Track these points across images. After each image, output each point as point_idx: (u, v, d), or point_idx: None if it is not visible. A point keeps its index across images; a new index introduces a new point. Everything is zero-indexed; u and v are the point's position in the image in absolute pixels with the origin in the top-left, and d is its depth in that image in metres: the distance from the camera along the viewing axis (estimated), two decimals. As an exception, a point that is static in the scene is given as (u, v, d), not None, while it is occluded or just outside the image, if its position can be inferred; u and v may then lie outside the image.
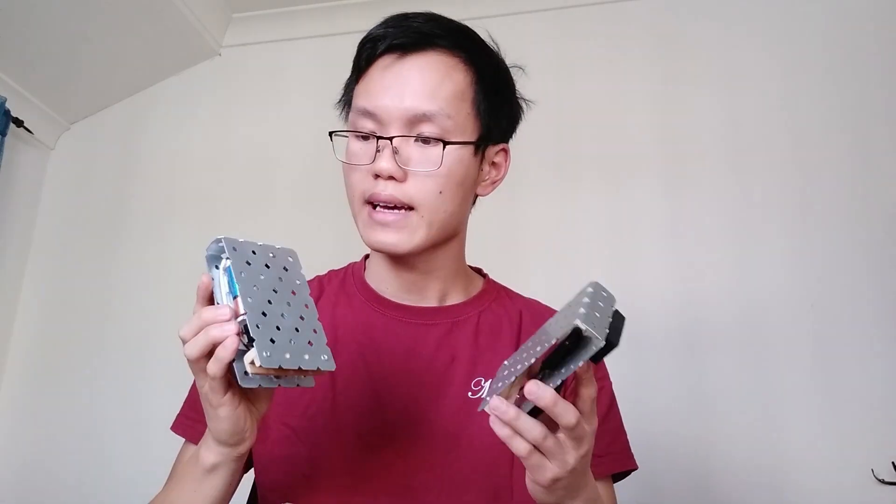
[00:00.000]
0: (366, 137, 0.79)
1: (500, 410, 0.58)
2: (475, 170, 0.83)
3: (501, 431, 0.59)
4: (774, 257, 1.65)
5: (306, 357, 0.60)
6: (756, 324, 1.61)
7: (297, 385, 0.63)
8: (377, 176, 0.76)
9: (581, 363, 0.55)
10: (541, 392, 0.56)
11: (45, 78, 2.02)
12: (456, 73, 0.79)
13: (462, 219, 0.85)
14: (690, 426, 1.57)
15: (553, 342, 0.56)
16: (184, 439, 0.84)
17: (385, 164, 0.75)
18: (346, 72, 0.89)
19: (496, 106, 0.83)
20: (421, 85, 0.77)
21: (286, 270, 0.65)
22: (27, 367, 1.99)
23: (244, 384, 0.60)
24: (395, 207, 0.77)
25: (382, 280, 0.87)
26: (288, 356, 0.59)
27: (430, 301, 0.86)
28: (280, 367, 0.58)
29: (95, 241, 2.08)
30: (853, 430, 1.49)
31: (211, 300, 0.63)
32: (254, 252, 0.63)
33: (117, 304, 2.00)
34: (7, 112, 1.87)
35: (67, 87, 2.10)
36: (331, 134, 0.82)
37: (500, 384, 0.61)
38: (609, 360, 0.92)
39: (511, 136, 0.88)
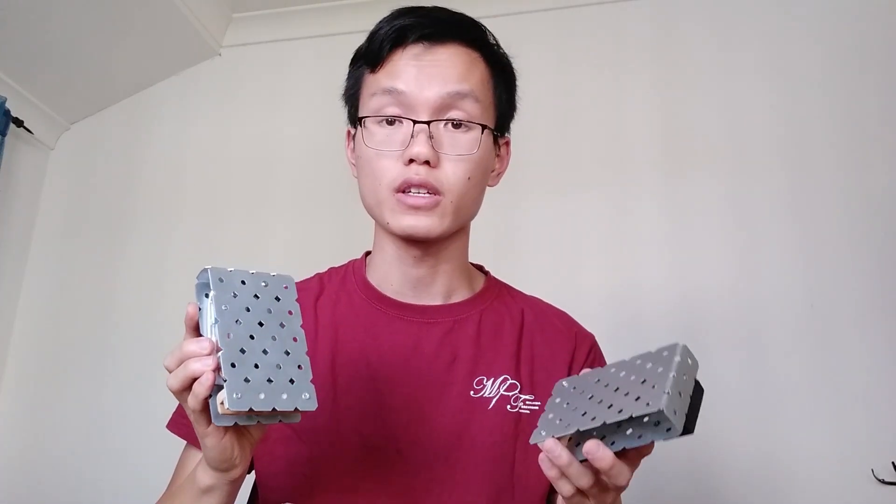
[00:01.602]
0: (391, 123, 0.79)
1: (553, 454, 0.58)
2: (493, 158, 0.85)
3: (550, 472, 0.60)
4: (774, 257, 1.65)
5: (284, 397, 0.58)
6: (756, 323, 1.61)
7: (280, 421, 0.61)
8: (410, 161, 0.76)
9: (650, 441, 0.55)
10: (600, 454, 0.56)
11: (45, 78, 2.02)
12: (479, 63, 0.82)
13: (478, 208, 0.85)
14: (690, 426, 1.57)
15: (628, 416, 0.54)
16: (185, 441, 0.84)
17: (421, 148, 0.76)
18: (345, 72, 0.88)
19: (507, 98, 0.86)
20: (452, 69, 0.79)
21: (278, 300, 0.62)
22: (27, 367, 1.99)
23: (218, 423, 0.59)
24: (426, 192, 0.77)
25: (386, 277, 0.86)
26: (262, 396, 0.57)
27: (436, 298, 0.85)
28: (251, 410, 0.57)
29: (95, 241, 2.08)
30: (853, 430, 1.49)
31: (199, 330, 0.61)
32: (243, 282, 0.61)
33: (117, 303, 2.00)
34: (7, 112, 1.87)
35: (67, 87, 2.10)
36: (362, 119, 0.81)
37: (555, 419, 0.60)
38: (609, 360, 0.92)
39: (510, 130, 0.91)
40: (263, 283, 0.62)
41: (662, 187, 1.77)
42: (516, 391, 0.81)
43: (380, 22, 0.82)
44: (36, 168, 2.14)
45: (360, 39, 0.86)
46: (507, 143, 0.89)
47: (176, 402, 0.86)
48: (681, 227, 1.73)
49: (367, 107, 0.82)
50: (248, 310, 0.60)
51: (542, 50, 1.92)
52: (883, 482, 1.44)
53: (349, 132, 0.89)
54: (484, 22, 0.86)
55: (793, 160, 1.71)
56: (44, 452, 1.90)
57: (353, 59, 0.87)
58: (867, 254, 1.60)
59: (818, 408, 1.52)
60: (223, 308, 0.59)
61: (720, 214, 1.72)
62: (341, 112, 0.92)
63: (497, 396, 0.80)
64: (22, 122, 1.97)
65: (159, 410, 1.82)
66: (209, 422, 0.60)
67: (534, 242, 1.79)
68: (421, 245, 0.82)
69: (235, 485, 0.68)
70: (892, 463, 1.44)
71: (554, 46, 1.95)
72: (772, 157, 1.73)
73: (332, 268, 0.93)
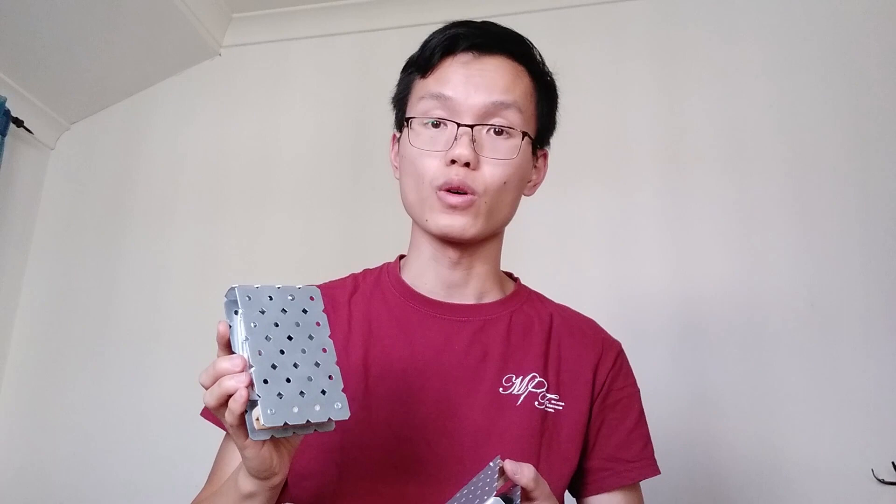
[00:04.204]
0: (437, 125, 0.82)
1: None
2: (531, 168, 0.89)
3: None
4: (774, 257, 1.65)
5: (317, 408, 0.60)
6: (756, 323, 1.61)
7: (315, 430, 0.63)
8: (452, 162, 0.79)
9: None
10: None
11: (45, 78, 2.02)
12: (524, 76, 0.87)
13: (511, 215, 0.88)
14: (690, 425, 1.57)
15: None
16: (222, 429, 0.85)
17: (463, 150, 0.79)
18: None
19: (548, 112, 0.91)
20: (499, 79, 0.82)
21: (305, 313, 0.64)
22: (27, 367, 1.99)
23: (254, 437, 0.60)
24: (463, 193, 0.80)
25: (421, 276, 0.88)
26: (296, 410, 0.59)
27: (468, 299, 0.88)
28: (286, 423, 0.58)
29: (95, 241, 2.08)
30: (853, 430, 1.49)
31: (230, 346, 0.63)
32: (270, 297, 0.63)
33: (117, 303, 2.00)
34: (7, 112, 1.88)
35: (67, 87, 2.10)
36: (409, 119, 0.85)
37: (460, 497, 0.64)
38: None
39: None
40: (290, 297, 0.64)
41: (663, 186, 1.77)
42: (543, 389, 0.83)
43: (433, 33, 0.86)
44: (36, 168, 2.14)
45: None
46: (545, 156, 0.93)
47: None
48: (682, 226, 1.73)
49: (414, 109, 0.85)
50: (276, 325, 0.62)
51: (542, 49, 1.92)
52: (883, 482, 1.44)
53: (394, 136, 0.92)
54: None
55: (794, 159, 1.72)
56: (44, 452, 1.90)
57: (405, 66, 0.90)
58: (868, 254, 1.60)
59: (818, 408, 1.52)
60: (252, 326, 0.60)
61: (721, 214, 1.72)
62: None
63: (525, 393, 0.82)
64: (22, 122, 1.98)
65: (159, 408, 1.83)
66: (246, 435, 0.62)
67: (534, 242, 1.79)
68: (457, 247, 0.84)
69: (275, 491, 0.69)
70: (892, 463, 1.44)
71: (554, 46, 1.94)
72: (773, 155, 1.73)
73: (366, 269, 0.95)
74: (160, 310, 1.96)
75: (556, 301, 0.96)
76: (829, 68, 1.76)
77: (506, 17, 1.97)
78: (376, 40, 2.03)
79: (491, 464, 0.62)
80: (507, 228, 0.91)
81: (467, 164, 0.79)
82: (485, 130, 0.81)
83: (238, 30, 2.21)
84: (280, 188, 2.03)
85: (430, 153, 0.81)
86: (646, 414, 0.91)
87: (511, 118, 0.82)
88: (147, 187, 2.11)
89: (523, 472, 0.62)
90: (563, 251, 1.78)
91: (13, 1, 1.77)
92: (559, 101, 0.97)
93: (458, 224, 0.80)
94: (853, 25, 1.78)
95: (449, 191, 0.80)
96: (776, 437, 1.53)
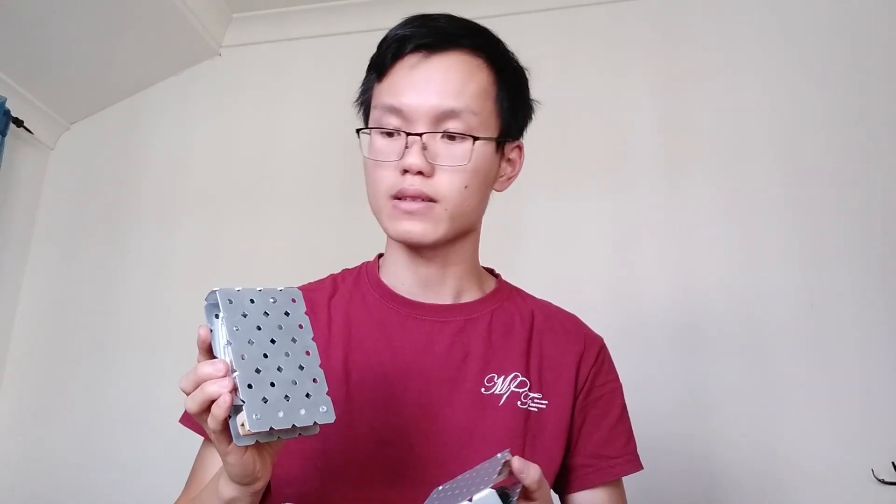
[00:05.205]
0: (391, 134, 0.81)
1: None
2: (496, 166, 0.86)
3: None
4: (774, 256, 1.65)
5: (302, 412, 0.60)
6: (756, 323, 1.61)
7: (300, 434, 0.62)
8: (405, 171, 0.78)
9: None
10: None
11: (45, 78, 2.02)
12: (480, 72, 0.82)
13: (480, 214, 0.87)
14: (690, 426, 1.57)
15: None
16: (201, 436, 0.84)
17: (414, 159, 0.77)
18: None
19: (514, 104, 0.86)
20: (448, 83, 0.79)
21: (287, 315, 0.63)
22: (27, 367, 1.99)
23: (239, 443, 0.59)
24: (421, 200, 0.79)
25: (398, 277, 0.87)
26: (281, 414, 0.58)
27: (446, 298, 0.87)
28: (271, 428, 0.58)
29: (95, 241, 2.08)
30: (853, 430, 1.49)
31: (211, 351, 0.62)
32: (252, 300, 0.62)
33: (117, 303, 2.00)
34: (7, 112, 1.87)
35: (67, 87, 2.10)
36: (358, 131, 0.84)
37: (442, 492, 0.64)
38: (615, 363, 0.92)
39: (524, 134, 0.91)
40: (272, 300, 0.63)
41: (663, 188, 1.77)
42: (526, 388, 0.82)
43: (391, 30, 0.84)
44: (36, 168, 2.14)
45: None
46: (519, 148, 0.90)
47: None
48: (681, 227, 1.73)
49: (371, 116, 0.84)
50: (259, 328, 0.61)
51: (542, 50, 1.92)
52: (883, 482, 1.44)
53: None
54: (485, 22, 0.87)
55: (793, 160, 1.72)
56: (44, 452, 1.90)
57: (368, 66, 0.89)
58: (867, 253, 1.60)
59: (818, 408, 1.52)
60: (235, 329, 0.59)
61: (720, 214, 1.72)
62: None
63: (508, 393, 0.82)
64: (22, 122, 1.98)
65: (160, 409, 1.83)
66: (230, 441, 0.61)
67: (535, 243, 1.79)
68: (426, 247, 0.83)
69: (258, 495, 0.68)
70: (892, 463, 1.44)
71: (554, 46, 1.95)
72: (772, 157, 1.73)
73: (345, 269, 0.94)
74: (160, 310, 1.96)
75: (553, 301, 0.95)
76: (828, 68, 1.76)
77: (506, 17, 1.97)
78: (376, 40, 2.03)
79: (498, 455, 0.61)
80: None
81: (421, 173, 0.78)
82: (438, 136, 0.79)
83: (238, 30, 2.21)
84: (280, 188, 2.03)
85: (384, 164, 0.80)
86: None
87: (463, 121, 0.79)
88: (147, 187, 2.11)
89: (529, 473, 0.61)
90: (563, 251, 1.78)
91: (14, 1, 1.77)
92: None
93: (417, 230, 0.79)
94: (852, 25, 1.78)
95: (404, 198, 0.79)
96: (776, 437, 1.53)
